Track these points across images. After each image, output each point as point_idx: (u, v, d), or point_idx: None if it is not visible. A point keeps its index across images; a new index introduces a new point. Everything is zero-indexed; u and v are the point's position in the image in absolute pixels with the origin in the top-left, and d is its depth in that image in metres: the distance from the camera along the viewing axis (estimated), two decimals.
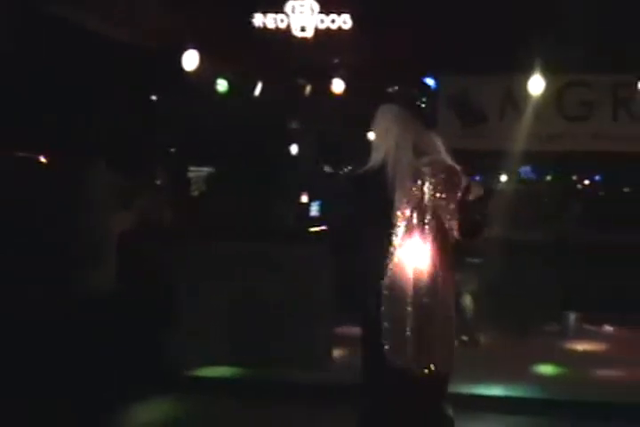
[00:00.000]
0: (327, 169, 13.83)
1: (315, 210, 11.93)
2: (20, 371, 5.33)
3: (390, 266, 2.94)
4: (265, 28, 8.91)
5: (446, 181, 2.96)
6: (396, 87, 3.18)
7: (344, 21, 8.77)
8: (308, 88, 9.66)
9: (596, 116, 9.27)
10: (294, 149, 12.07)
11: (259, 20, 8.94)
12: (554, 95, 9.12)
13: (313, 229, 10.43)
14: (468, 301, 7.41)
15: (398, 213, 2.96)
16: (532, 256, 7.88)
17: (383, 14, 8.45)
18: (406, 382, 2.94)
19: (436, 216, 2.96)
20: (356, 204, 3.11)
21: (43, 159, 8.03)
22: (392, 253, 2.94)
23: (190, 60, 8.37)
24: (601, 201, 14.03)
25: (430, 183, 2.96)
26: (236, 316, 6.48)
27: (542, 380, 6.43)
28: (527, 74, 8.74)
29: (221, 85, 9.40)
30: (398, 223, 2.96)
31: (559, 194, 10.81)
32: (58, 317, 4.97)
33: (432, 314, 2.93)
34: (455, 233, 2.99)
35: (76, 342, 4.85)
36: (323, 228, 10.39)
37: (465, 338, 7.27)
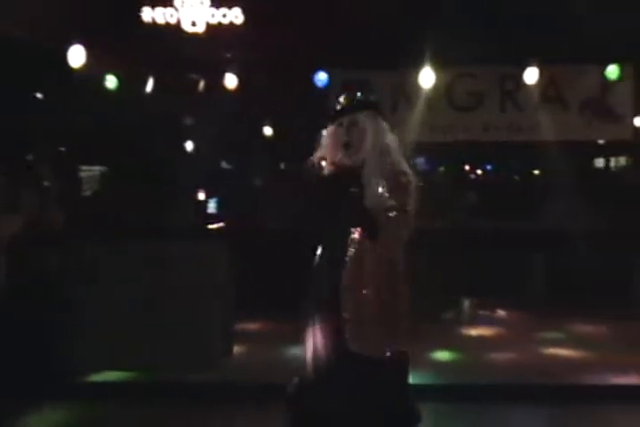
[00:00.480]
0: (224, 166, 13.70)
1: (212, 207, 11.81)
2: None
3: (348, 259, 3.26)
4: (154, 23, 8.71)
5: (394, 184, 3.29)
6: (370, 96, 3.51)
7: (235, 16, 8.68)
8: (202, 84, 9.52)
9: (484, 107, 9.55)
10: (190, 145, 11.90)
11: (147, 14, 8.73)
12: (444, 87, 9.33)
13: (211, 227, 10.34)
14: None
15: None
16: (426, 244, 8.05)
17: (275, 9, 8.41)
18: (368, 367, 3.17)
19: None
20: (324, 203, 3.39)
21: None
22: (350, 248, 3.26)
23: (76, 55, 8.11)
24: (492, 190, 14.50)
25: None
26: (133, 317, 6.33)
27: (438, 366, 6.58)
28: (418, 67, 8.90)
29: (110, 82, 9.15)
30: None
31: (452, 184, 11.11)
32: None
33: (388, 304, 3.25)
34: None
35: None
36: (221, 224, 10.31)
37: None
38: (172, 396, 5.86)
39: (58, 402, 5.72)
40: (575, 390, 5.96)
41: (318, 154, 3.51)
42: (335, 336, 3.22)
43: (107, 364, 6.25)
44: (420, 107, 9.41)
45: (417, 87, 9.13)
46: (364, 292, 3.23)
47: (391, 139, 3.46)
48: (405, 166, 3.41)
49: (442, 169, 14.09)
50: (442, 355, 7.01)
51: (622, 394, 5.88)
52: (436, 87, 9.11)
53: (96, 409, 5.65)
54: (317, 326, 3.32)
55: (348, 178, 3.31)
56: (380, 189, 3.24)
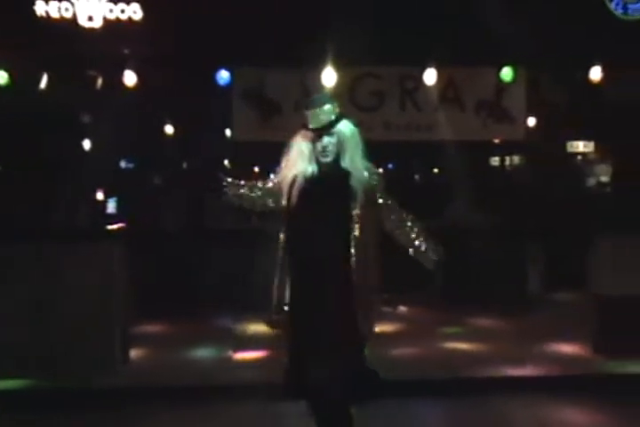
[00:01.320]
0: (124, 164, 13.43)
1: (112, 207, 11.55)
2: None
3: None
4: (48, 17, 8.43)
5: None
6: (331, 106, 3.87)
7: (134, 11, 8.50)
8: (100, 81, 9.27)
9: (385, 107, 9.69)
10: (87, 143, 11.57)
11: (41, 8, 8.44)
12: (346, 87, 9.40)
13: (110, 227, 10.11)
14: None
15: None
16: None
17: (175, 5, 8.29)
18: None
19: None
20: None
21: None
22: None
23: None
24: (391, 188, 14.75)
25: None
26: (26, 321, 6.12)
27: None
28: (320, 67, 8.95)
29: (1, 78, 8.79)
30: None
31: None
32: None
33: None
34: None
35: None
36: (120, 225, 10.09)
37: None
38: (69, 402, 5.70)
39: None
40: (473, 383, 6.13)
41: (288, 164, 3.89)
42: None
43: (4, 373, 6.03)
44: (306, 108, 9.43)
45: (319, 86, 9.17)
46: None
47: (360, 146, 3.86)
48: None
49: None
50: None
51: (517, 386, 6.09)
52: (338, 87, 9.18)
53: None
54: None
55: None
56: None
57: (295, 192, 3.72)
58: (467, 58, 9.11)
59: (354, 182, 3.69)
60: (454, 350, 7.17)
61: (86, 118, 11.53)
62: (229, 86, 9.23)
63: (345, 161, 3.74)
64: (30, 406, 5.67)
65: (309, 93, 9.41)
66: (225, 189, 4.01)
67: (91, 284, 6.24)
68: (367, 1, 8.29)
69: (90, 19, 8.46)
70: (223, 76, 9.13)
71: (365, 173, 3.76)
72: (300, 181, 3.75)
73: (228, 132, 10.31)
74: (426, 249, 3.91)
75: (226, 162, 14.20)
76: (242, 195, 4.02)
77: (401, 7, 8.48)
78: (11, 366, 6.02)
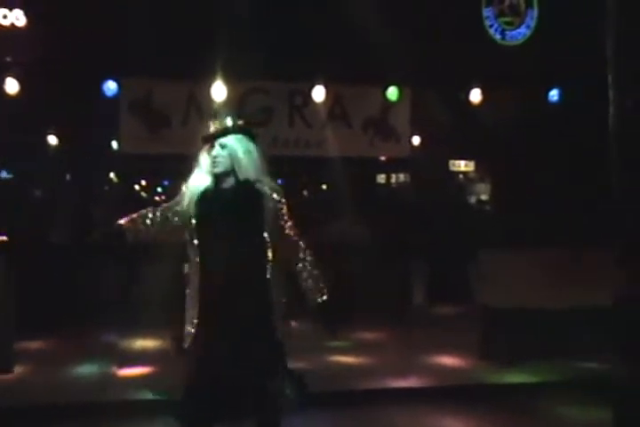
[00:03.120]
0: (5, 175, 12.92)
1: None
2: None
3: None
4: None
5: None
6: (233, 120, 3.86)
7: (17, 18, 8.24)
8: None
9: (273, 122, 9.76)
10: None
11: None
12: (235, 101, 9.41)
13: None
14: None
15: None
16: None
17: (61, 12, 8.09)
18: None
19: None
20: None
21: None
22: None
23: None
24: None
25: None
26: None
27: None
28: (210, 80, 8.93)
29: None
30: None
31: None
32: None
33: None
34: None
35: None
36: (0, 237, 9.69)
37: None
38: None
39: None
40: (356, 395, 6.22)
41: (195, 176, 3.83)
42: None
43: None
44: (210, 119, 9.42)
45: (209, 100, 9.15)
46: None
47: (260, 161, 3.80)
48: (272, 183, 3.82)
49: None
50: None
51: (400, 397, 6.22)
52: (227, 101, 9.18)
53: None
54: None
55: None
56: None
57: (196, 209, 3.68)
58: (354, 76, 9.32)
59: (253, 197, 3.68)
60: (338, 363, 7.25)
61: None
62: (117, 97, 9.07)
63: (240, 174, 3.71)
64: None
65: (199, 107, 9.39)
66: (125, 238, 3.74)
67: None
68: (257, 16, 8.37)
69: None
70: (110, 86, 8.97)
71: (266, 189, 3.72)
72: (198, 196, 3.72)
73: (114, 144, 10.11)
74: (312, 290, 3.98)
75: (112, 175, 13.89)
76: (140, 232, 3.77)
77: (291, 23, 8.61)
78: None
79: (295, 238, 3.81)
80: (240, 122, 3.86)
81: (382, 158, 12.13)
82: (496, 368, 6.88)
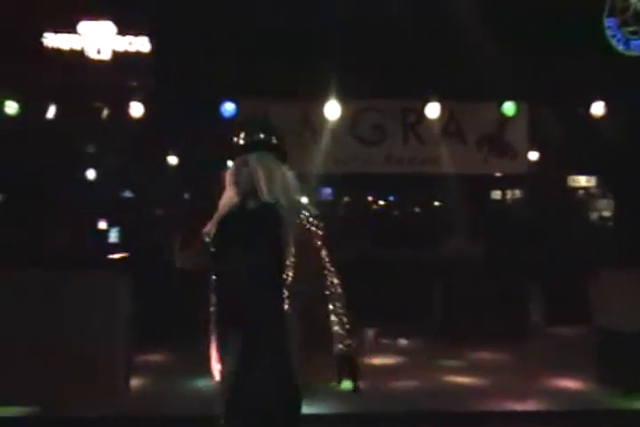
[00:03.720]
0: (128, 194, 13.49)
1: (114, 236, 11.58)
2: None
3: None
4: (58, 49, 8.57)
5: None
6: (261, 135, 3.49)
7: (142, 44, 8.64)
8: (106, 111, 9.39)
9: (387, 140, 9.78)
10: (91, 173, 11.66)
11: (51, 40, 8.59)
12: (349, 120, 9.51)
13: (113, 256, 10.12)
14: None
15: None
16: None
17: (182, 38, 8.42)
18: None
19: None
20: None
21: None
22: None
23: None
24: (393, 220, 14.80)
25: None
26: (29, 349, 6.12)
27: (340, 395, 6.61)
28: (324, 100, 9.06)
29: (11, 108, 8.91)
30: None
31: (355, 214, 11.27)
32: None
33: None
34: None
35: None
36: (123, 254, 10.11)
37: None
38: None
39: None
40: (471, 416, 6.10)
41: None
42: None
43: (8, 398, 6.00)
44: (324, 138, 9.56)
45: (322, 119, 9.28)
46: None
47: (288, 177, 3.50)
48: (307, 206, 3.47)
49: (346, 200, 14.30)
50: (344, 384, 7.04)
51: (517, 420, 6.06)
52: (341, 119, 9.29)
53: None
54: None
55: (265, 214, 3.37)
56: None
57: (215, 232, 3.41)
58: (468, 92, 9.23)
59: (269, 221, 3.31)
60: (453, 383, 7.13)
61: (91, 148, 11.63)
62: (234, 118, 9.33)
63: (261, 195, 3.38)
64: None
65: (313, 126, 9.55)
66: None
67: (95, 312, 6.24)
68: (370, 34, 8.43)
69: (98, 51, 8.61)
70: (228, 108, 9.24)
71: (289, 210, 3.34)
72: (219, 218, 3.45)
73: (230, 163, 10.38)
74: (338, 336, 3.48)
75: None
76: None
77: (403, 40, 8.61)
78: (11, 394, 6.00)
79: (330, 268, 3.41)
80: (268, 137, 3.49)
81: (497, 174, 11.91)
82: (615, 393, 6.59)
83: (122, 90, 8.83)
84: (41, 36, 8.60)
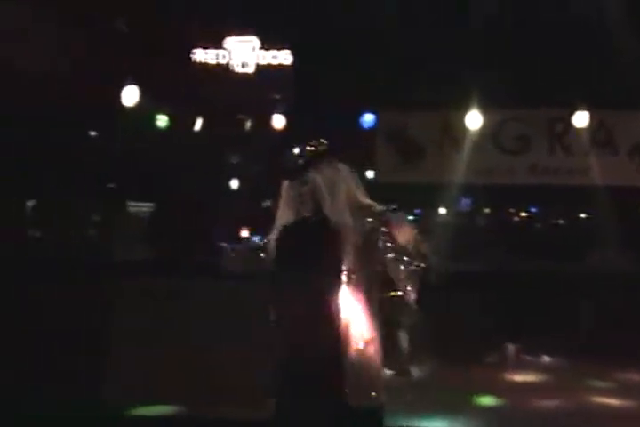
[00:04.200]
0: (268, 204, 13.80)
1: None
2: None
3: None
4: (206, 64, 8.93)
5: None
6: (323, 144, 3.23)
7: (285, 57, 8.85)
8: (249, 123, 9.67)
9: (532, 150, 9.50)
10: (235, 183, 12.03)
11: (199, 55, 8.95)
12: (491, 130, 9.32)
13: None
14: (403, 336, 7.42)
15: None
16: (471, 286, 7.97)
17: (324, 52, 8.55)
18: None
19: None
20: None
21: None
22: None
23: (130, 95, 8.31)
24: (536, 233, 14.34)
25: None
26: (172, 352, 6.34)
27: (483, 411, 6.44)
28: (464, 110, 8.93)
29: (161, 121, 9.35)
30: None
31: (496, 226, 11.00)
32: None
33: None
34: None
35: None
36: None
37: (394, 371, 7.29)
38: None
39: None
40: None
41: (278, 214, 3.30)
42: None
43: (151, 397, 6.24)
44: (465, 149, 9.41)
45: (463, 129, 9.14)
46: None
47: (350, 183, 3.22)
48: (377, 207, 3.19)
49: (487, 211, 13.99)
50: (485, 400, 6.87)
51: None
52: (482, 129, 9.11)
53: None
54: None
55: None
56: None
57: (275, 249, 3.19)
58: (619, 99, 8.83)
59: (335, 231, 3.05)
60: (597, 404, 6.78)
61: (234, 159, 12.00)
62: (373, 129, 9.37)
63: (326, 210, 3.09)
64: None
65: (454, 136, 9.43)
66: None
67: (250, 318, 6.37)
68: (512, 43, 8.24)
69: (243, 65, 8.89)
70: (367, 119, 9.28)
71: (358, 218, 3.08)
72: (281, 234, 3.21)
73: (369, 173, 10.43)
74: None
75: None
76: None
77: (548, 48, 8.36)
78: (166, 392, 6.21)
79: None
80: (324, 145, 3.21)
81: None
82: None
83: (265, 102, 9.06)
84: (190, 52, 8.97)
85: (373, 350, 3.09)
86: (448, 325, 7.95)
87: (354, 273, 3.05)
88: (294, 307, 3.05)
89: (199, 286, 6.65)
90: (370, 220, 3.09)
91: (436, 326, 7.78)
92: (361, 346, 3.05)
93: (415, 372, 7.47)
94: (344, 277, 3.04)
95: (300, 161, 3.16)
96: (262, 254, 3.26)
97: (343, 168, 3.21)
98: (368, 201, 3.20)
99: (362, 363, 3.04)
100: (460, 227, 11.20)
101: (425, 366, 7.80)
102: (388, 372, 7.54)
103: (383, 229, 3.12)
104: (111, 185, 11.27)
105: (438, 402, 6.44)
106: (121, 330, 6.46)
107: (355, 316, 3.06)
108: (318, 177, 3.12)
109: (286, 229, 3.18)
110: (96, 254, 9.17)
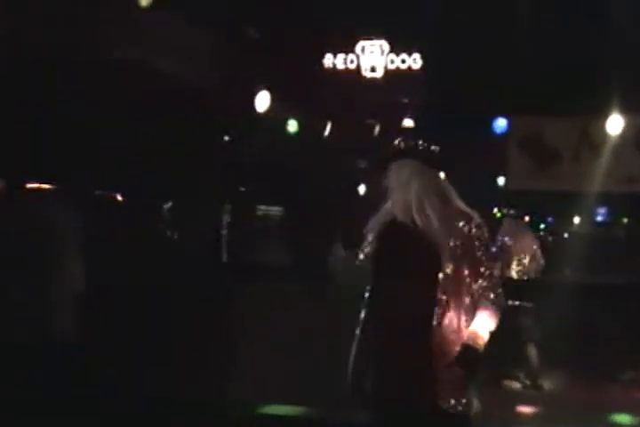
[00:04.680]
0: None
1: None
2: None
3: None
4: (335, 69, 8.96)
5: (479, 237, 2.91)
6: (409, 141, 2.96)
7: (414, 60, 8.75)
8: (378, 128, 9.64)
9: None
10: (362, 189, 12.04)
11: (329, 60, 9.00)
12: (633, 135, 8.84)
13: None
14: (531, 349, 7.14)
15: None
16: (605, 300, 7.56)
17: (454, 55, 8.40)
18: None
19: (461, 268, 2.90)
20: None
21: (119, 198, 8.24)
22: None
23: (262, 100, 8.46)
24: None
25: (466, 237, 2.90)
26: (297, 353, 6.38)
27: None
28: (603, 114, 8.52)
29: (292, 126, 9.46)
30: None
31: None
32: None
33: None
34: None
35: None
36: None
37: (527, 382, 7.03)
38: None
39: None
40: None
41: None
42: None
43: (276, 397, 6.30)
44: (605, 155, 8.96)
45: (602, 134, 8.72)
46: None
47: (439, 188, 3.02)
48: (472, 214, 2.96)
49: (625, 220, 13.34)
50: (621, 418, 6.51)
51: None
52: (623, 135, 8.66)
53: None
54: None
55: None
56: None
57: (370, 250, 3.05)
58: None
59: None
60: None
61: (362, 164, 12.00)
62: (505, 134, 9.11)
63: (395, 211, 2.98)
64: None
65: (592, 142, 9.01)
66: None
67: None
68: None
69: (372, 69, 8.86)
70: (500, 124, 9.04)
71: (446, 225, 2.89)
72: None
73: (500, 180, 10.15)
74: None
75: (495, 210, 13.95)
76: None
77: None
78: (292, 393, 6.26)
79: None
80: (419, 142, 3.00)
81: None
82: None
83: (393, 106, 9.00)
84: (321, 56, 9.04)
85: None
86: (581, 338, 7.61)
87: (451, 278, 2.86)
88: (390, 308, 2.89)
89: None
90: (461, 224, 2.87)
91: (568, 340, 7.46)
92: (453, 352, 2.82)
93: (547, 385, 7.19)
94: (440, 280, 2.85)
95: (389, 154, 2.97)
96: (358, 260, 3.08)
97: (430, 171, 2.98)
98: (466, 208, 2.96)
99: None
100: (596, 236, 10.71)
101: (556, 381, 7.49)
102: (517, 385, 7.31)
103: (479, 240, 2.89)
104: (242, 189, 11.53)
105: (573, 418, 6.16)
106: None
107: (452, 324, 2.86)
108: (395, 172, 2.96)
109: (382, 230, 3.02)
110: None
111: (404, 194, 2.96)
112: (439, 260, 2.86)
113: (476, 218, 2.93)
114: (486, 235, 2.94)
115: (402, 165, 2.96)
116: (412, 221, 2.93)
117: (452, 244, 2.87)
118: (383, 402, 2.95)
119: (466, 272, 2.88)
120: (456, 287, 2.89)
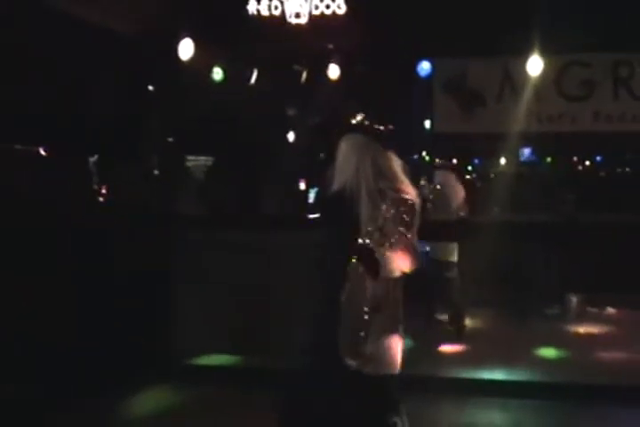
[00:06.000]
0: (323, 156, 13.78)
1: (313, 197, 11.90)
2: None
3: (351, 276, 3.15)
4: (259, 15, 8.82)
5: (401, 215, 3.16)
6: (359, 118, 3.44)
7: (338, 6, 8.67)
8: (304, 74, 9.58)
9: (595, 96, 9.19)
10: (291, 136, 12.01)
11: (253, 6, 8.84)
12: (553, 76, 9.03)
13: (311, 216, 10.40)
14: (455, 293, 7.36)
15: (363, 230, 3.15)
16: (530, 238, 7.83)
17: None
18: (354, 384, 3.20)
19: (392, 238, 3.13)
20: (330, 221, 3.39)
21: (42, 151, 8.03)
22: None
23: (186, 49, 8.30)
24: (601, 182, 13.99)
25: (390, 210, 3.15)
26: (234, 304, 6.45)
27: (544, 363, 6.40)
28: (525, 55, 8.65)
29: (217, 74, 9.33)
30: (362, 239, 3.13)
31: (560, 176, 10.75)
32: None
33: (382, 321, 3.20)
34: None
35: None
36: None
37: (453, 323, 7.27)
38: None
39: (162, 385, 5.88)
40: None
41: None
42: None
43: (212, 348, 6.39)
44: (526, 96, 9.15)
45: (524, 76, 8.87)
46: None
47: (383, 161, 3.27)
48: (407, 188, 3.25)
49: (548, 160, 13.70)
50: (546, 352, 6.83)
51: None
52: (544, 76, 8.83)
53: (199, 393, 5.77)
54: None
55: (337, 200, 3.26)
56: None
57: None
58: None
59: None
60: None
61: (291, 111, 11.95)
62: (430, 77, 9.18)
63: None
64: (239, 382, 5.93)
65: (514, 84, 9.16)
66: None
67: (300, 271, 6.44)
68: None
69: (297, 15, 8.75)
70: (424, 67, 9.09)
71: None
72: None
73: (427, 123, 10.26)
74: None
75: (424, 154, 14.16)
76: None
77: None
78: (227, 344, 6.34)
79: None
80: (360, 117, 3.38)
81: None
82: None
83: (319, 53, 8.94)
84: (245, 3, 8.87)
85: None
86: (508, 276, 7.88)
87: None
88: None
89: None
90: (385, 206, 3.08)
91: (496, 277, 7.72)
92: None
93: (473, 324, 7.46)
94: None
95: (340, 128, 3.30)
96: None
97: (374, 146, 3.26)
98: (404, 187, 3.22)
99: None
100: (522, 176, 10.98)
101: (484, 320, 7.76)
102: (445, 327, 7.56)
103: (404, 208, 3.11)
104: (170, 139, 11.36)
105: (501, 354, 6.42)
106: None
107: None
108: (343, 143, 3.28)
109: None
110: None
111: (344, 165, 3.22)
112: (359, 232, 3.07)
113: (410, 199, 3.15)
114: (413, 214, 3.16)
115: (349, 138, 3.27)
116: (345, 189, 3.19)
117: (379, 219, 3.06)
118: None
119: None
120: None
